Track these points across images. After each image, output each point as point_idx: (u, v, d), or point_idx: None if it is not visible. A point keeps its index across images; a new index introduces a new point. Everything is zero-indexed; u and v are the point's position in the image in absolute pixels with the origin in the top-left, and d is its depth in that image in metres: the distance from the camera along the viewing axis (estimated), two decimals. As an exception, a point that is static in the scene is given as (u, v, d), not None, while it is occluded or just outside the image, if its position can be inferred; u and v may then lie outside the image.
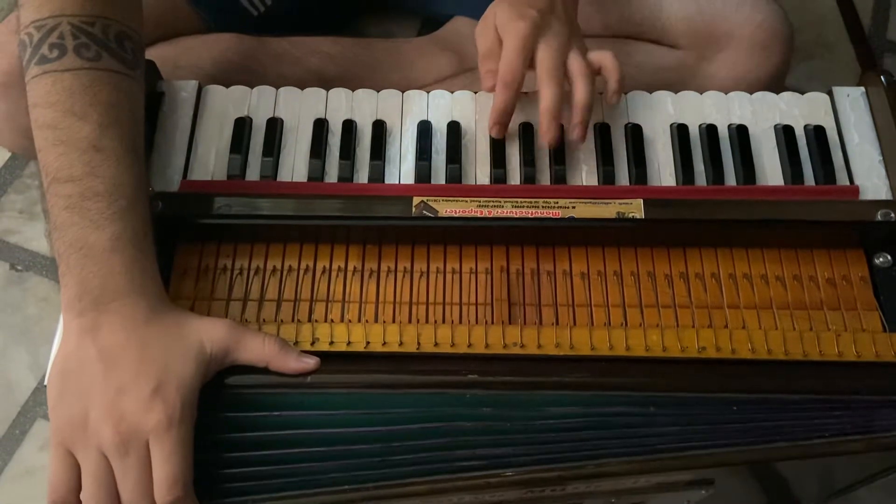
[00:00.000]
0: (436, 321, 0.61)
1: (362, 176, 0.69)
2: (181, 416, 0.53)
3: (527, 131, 0.70)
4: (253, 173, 0.68)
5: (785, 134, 0.70)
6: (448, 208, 0.65)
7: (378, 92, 0.73)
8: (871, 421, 0.58)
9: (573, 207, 0.65)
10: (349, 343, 0.59)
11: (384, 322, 0.61)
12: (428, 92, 0.74)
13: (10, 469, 0.92)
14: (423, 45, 0.98)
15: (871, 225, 0.64)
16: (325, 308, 0.62)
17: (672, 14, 0.84)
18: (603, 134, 0.70)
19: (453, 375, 0.58)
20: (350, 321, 0.61)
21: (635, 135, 0.70)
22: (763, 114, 0.73)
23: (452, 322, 0.61)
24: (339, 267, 0.64)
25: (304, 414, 0.57)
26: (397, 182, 0.68)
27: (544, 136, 0.67)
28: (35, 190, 1.09)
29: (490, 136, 0.70)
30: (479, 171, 0.69)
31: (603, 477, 0.58)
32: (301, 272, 0.63)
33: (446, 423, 0.57)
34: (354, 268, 0.64)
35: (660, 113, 0.73)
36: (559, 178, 0.69)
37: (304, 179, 0.68)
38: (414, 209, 0.64)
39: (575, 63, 0.67)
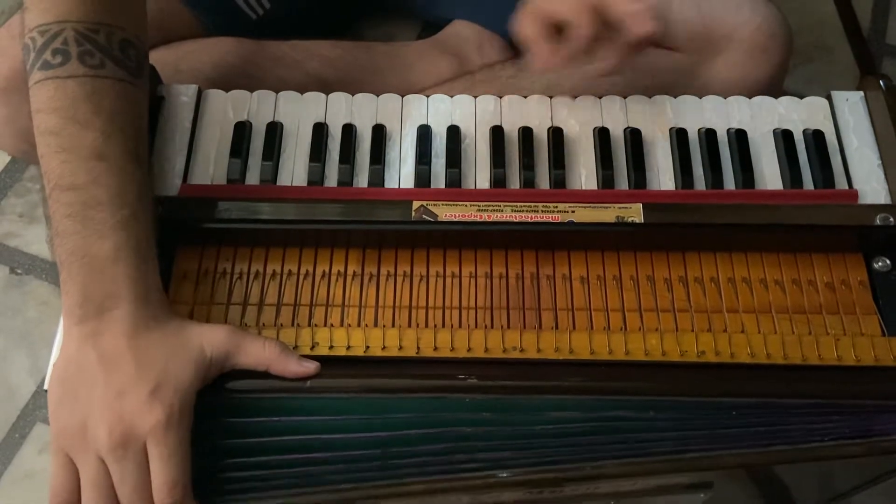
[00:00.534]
0: (435, 325, 0.61)
1: (362, 180, 0.69)
2: (179, 418, 0.53)
3: (526, 135, 0.71)
4: (253, 177, 0.68)
5: (784, 138, 0.70)
6: (448, 212, 0.65)
7: (378, 96, 0.74)
8: (870, 425, 0.58)
9: (573, 212, 0.65)
10: (349, 347, 0.59)
11: (384, 326, 0.61)
12: (428, 95, 0.74)
13: (9, 472, 0.92)
14: (422, 49, 0.98)
15: (869, 229, 0.65)
16: (324, 312, 0.62)
17: (671, 17, 0.84)
18: (602, 138, 0.70)
19: (453, 380, 0.58)
20: (350, 325, 0.61)
21: (634, 139, 0.70)
22: (762, 118, 0.73)
23: (452, 326, 0.61)
24: (339, 271, 0.64)
25: (303, 418, 0.57)
26: (397, 186, 0.68)
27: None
28: (35, 193, 1.08)
29: (489, 138, 0.70)
30: (479, 175, 0.69)
31: (601, 479, 0.58)
32: (301, 276, 0.63)
33: (446, 428, 0.57)
34: (354, 272, 0.64)
35: (659, 117, 0.73)
36: (558, 182, 0.68)
37: (304, 183, 0.68)
38: (414, 213, 0.65)
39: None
